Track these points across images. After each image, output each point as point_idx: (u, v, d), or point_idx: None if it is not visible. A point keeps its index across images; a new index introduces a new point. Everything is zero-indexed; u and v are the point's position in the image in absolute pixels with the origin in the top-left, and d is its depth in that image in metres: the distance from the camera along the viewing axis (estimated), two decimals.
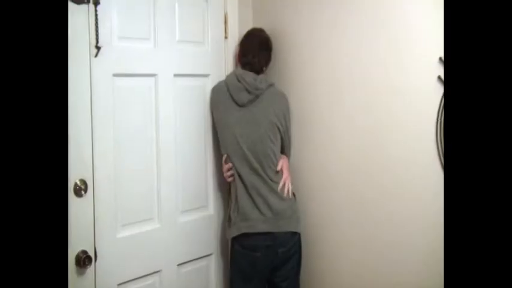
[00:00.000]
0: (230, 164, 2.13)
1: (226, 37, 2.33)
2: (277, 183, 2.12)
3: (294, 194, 2.20)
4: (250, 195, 2.09)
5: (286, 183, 2.14)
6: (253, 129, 2.10)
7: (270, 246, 2.07)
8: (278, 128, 2.14)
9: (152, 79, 2.04)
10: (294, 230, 2.12)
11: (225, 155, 2.15)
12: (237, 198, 2.12)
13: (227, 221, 2.18)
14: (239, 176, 2.11)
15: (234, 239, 2.12)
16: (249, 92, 2.10)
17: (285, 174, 2.16)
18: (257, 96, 2.11)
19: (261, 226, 2.07)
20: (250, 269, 2.09)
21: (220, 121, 2.17)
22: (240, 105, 2.11)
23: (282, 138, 2.18)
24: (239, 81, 2.11)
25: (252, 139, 2.10)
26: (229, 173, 2.14)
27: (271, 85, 2.17)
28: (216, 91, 2.21)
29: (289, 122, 2.21)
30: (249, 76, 2.12)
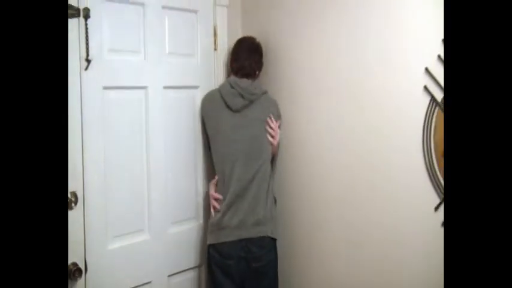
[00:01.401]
0: (220, 196, 2.13)
1: (215, 49, 2.35)
2: (264, 191, 2.13)
3: (275, 199, 2.22)
4: (232, 205, 2.09)
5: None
6: (246, 132, 2.12)
7: (243, 258, 2.08)
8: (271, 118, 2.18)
9: (142, 91, 2.05)
10: (270, 236, 2.12)
11: (216, 179, 2.17)
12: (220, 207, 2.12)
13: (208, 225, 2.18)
14: (228, 183, 2.11)
15: (211, 245, 2.13)
16: (243, 97, 2.12)
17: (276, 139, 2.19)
18: (251, 102, 2.14)
19: (238, 233, 2.07)
20: (223, 276, 2.10)
21: (213, 128, 2.18)
22: (234, 111, 2.13)
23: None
24: (233, 87, 2.13)
25: (246, 141, 2.12)
26: (216, 204, 2.14)
27: (264, 92, 2.20)
28: (208, 99, 2.22)
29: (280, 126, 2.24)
30: (243, 82, 2.15)
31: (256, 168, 2.11)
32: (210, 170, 2.26)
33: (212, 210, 2.15)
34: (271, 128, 2.17)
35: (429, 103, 1.75)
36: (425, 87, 1.75)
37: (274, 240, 2.15)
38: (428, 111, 1.76)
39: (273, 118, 2.18)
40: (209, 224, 2.16)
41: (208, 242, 2.14)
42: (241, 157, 2.11)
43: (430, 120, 1.76)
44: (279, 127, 2.22)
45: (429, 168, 1.77)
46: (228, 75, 2.32)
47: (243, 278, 2.11)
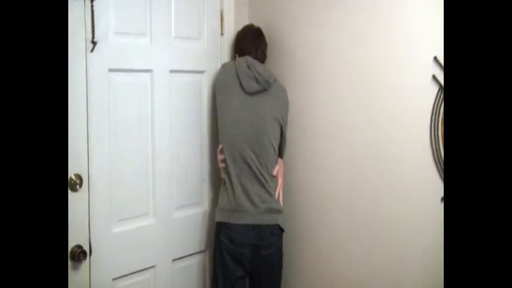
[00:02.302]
0: (224, 156, 2.13)
1: (222, 33, 2.33)
2: (269, 180, 2.12)
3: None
4: (244, 188, 2.09)
5: (279, 190, 2.16)
6: (255, 119, 2.10)
7: (253, 245, 2.08)
8: (280, 124, 2.15)
9: (148, 75, 2.04)
10: (281, 225, 2.13)
11: (221, 146, 2.15)
12: (230, 185, 2.11)
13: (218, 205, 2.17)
14: (235, 165, 2.10)
15: (220, 229, 2.12)
16: (258, 82, 2.09)
17: (280, 181, 2.18)
18: (264, 89, 2.11)
19: (249, 218, 2.07)
20: (233, 262, 2.10)
21: (223, 104, 2.15)
22: (247, 93, 2.10)
23: (281, 134, 2.18)
24: (249, 68, 2.10)
25: (252, 129, 2.09)
26: (221, 165, 2.16)
27: (274, 80, 2.18)
28: (225, 71, 2.18)
29: (287, 115, 2.22)
30: (259, 66, 2.12)
31: (265, 156, 2.10)
32: (215, 154, 2.25)
33: (222, 174, 2.16)
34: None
35: (437, 92, 1.73)
36: (434, 77, 1.73)
37: (282, 230, 2.16)
38: (437, 101, 1.74)
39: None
40: (219, 202, 2.15)
41: (217, 219, 2.13)
42: (249, 141, 2.09)
43: (438, 110, 1.74)
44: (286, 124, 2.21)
45: (437, 159, 1.75)
46: (234, 58, 2.29)
47: (252, 264, 2.11)
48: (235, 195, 2.09)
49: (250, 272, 2.15)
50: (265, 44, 2.25)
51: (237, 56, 2.23)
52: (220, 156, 2.17)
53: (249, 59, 2.13)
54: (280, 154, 2.22)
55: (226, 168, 2.13)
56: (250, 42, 2.20)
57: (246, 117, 2.10)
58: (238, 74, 2.11)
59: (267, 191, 2.10)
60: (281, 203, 2.15)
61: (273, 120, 2.13)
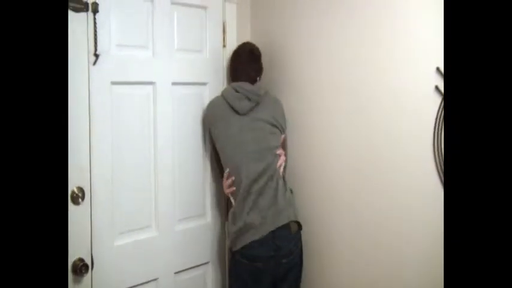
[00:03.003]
0: (231, 179, 2.10)
1: (224, 46, 2.34)
2: (279, 189, 2.08)
3: (291, 191, 2.18)
4: (252, 204, 2.05)
5: (280, 163, 2.14)
6: (256, 135, 2.10)
7: (271, 257, 2.03)
8: (278, 128, 2.16)
9: (150, 87, 2.04)
10: (294, 219, 2.08)
11: (227, 170, 2.13)
12: (238, 209, 2.07)
13: (229, 232, 2.12)
14: (242, 186, 2.07)
15: (236, 251, 2.08)
16: (249, 100, 2.10)
17: (283, 157, 2.16)
18: (257, 104, 2.12)
19: (263, 229, 2.02)
20: (252, 281, 2.05)
21: (221, 134, 2.13)
22: (241, 114, 2.11)
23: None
24: (237, 91, 2.11)
25: (255, 145, 2.09)
26: (230, 190, 2.12)
27: (265, 92, 2.19)
28: (212, 107, 2.18)
29: (285, 123, 2.23)
30: (246, 85, 2.13)
31: (266, 166, 2.08)
32: (217, 168, 2.25)
33: (231, 199, 2.13)
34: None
35: (440, 103, 1.72)
36: (437, 87, 1.73)
37: (299, 228, 2.11)
38: (439, 111, 1.73)
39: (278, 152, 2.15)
40: (231, 229, 2.09)
41: (234, 249, 2.08)
42: (254, 158, 2.08)
43: (440, 120, 1.73)
44: (284, 137, 2.21)
45: (439, 168, 1.74)
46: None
47: (275, 279, 2.06)
48: (243, 215, 2.04)
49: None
50: (258, 66, 2.24)
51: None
52: (227, 182, 2.13)
53: (234, 84, 2.15)
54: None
55: (235, 192, 2.10)
56: (242, 69, 2.20)
57: (247, 137, 2.10)
58: (228, 101, 2.11)
59: (277, 202, 2.07)
60: (281, 173, 2.13)
61: (272, 130, 2.13)
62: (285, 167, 2.19)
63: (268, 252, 2.02)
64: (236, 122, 2.11)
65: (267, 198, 2.06)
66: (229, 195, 2.14)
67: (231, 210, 2.12)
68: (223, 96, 2.15)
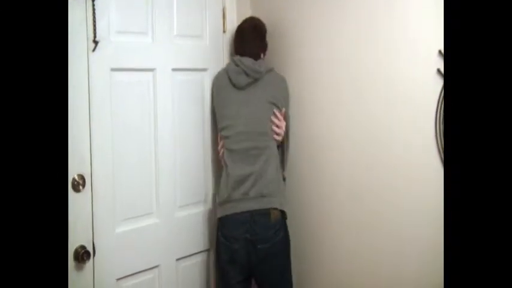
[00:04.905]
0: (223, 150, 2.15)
1: (224, 31, 2.32)
2: (268, 165, 2.08)
3: (284, 178, 2.17)
4: (235, 175, 2.07)
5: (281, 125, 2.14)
6: (250, 110, 2.10)
7: (249, 240, 2.04)
8: (277, 106, 2.13)
9: (150, 74, 2.03)
10: (279, 208, 2.06)
11: (222, 141, 2.16)
12: (226, 176, 2.11)
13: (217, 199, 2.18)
14: (230, 155, 2.10)
15: (218, 227, 2.12)
16: (247, 75, 2.09)
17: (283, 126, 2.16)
18: (256, 80, 2.11)
19: (243, 205, 2.05)
20: (228, 261, 2.08)
21: (219, 104, 2.17)
22: (239, 88, 2.11)
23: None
24: (237, 65, 2.11)
25: (249, 119, 2.09)
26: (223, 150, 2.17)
27: (270, 70, 2.17)
28: (216, 78, 2.21)
29: (288, 106, 2.20)
30: (247, 60, 2.12)
31: (262, 145, 2.09)
32: (218, 153, 2.24)
33: (223, 163, 2.16)
34: (276, 124, 2.12)
35: (442, 87, 1.71)
36: (439, 70, 1.72)
37: (283, 218, 2.10)
38: (441, 95, 1.72)
39: (276, 112, 2.12)
40: (217, 199, 2.16)
41: (217, 216, 2.15)
42: (246, 131, 2.09)
43: (442, 104, 1.72)
44: (285, 113, 2.17)
45: (441, 154, 1.74)
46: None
47: (251, 264, 2.07)
48: (228, 186, 2.08)
49: (253, 275, 2.11)
50: (262, 42, 2.23)
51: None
52: (221, 150, 2.18)
53: (237, 57, 2.15)
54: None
55: (224, 160, 2.13)
56: (245, 43, 2.19)
57: (241, 111, 2.10)
58: (228, 74, 2.13)
59: (264, 178, 2.07)
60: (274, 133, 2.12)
61: (268, 106, 2.11)
62: (287, 136, 2.18)
63: (244, 234, 2.04)
64: (233, 95, 2.12)
65: (253, 176, 2.06)
66: (222, 162, 2.18)
67: (221, 178, 2.15)
68: (226, 68, 2.17)
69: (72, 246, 1.78)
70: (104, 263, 1.89)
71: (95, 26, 1.80)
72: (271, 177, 2.08)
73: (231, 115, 2.11)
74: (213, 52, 2.27)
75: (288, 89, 2.21)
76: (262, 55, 2.22)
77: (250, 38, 2.19)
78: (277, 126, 2.12)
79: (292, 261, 2.17)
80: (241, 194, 2.06)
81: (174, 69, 2.10)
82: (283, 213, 2.10)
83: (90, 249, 1.82)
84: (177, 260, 2.18)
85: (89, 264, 1.83)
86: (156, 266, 2.10)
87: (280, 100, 2.15)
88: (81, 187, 1.79)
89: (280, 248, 2.09)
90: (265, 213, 2.04)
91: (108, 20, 1.86)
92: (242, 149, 2.09)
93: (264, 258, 2.05)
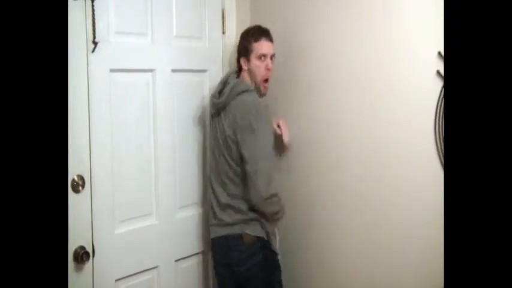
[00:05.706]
0: None
1: (224, 32, 2.32)
2: (234, 198, 2.02)
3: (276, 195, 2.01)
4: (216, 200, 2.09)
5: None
6: (215, 144, 2.09)
7: (227, 264, 2.04)
8: (234, 142, 1.98)
9: (149, 74, 2.03)
10: (251, 233, 1.99)
11: None
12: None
13: None
14: (209, 180, 2.15)
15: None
16: (214, 101, 2.07)
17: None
18: (224, 107, 2.01)
19: (220, 230, 2.05)
20: (220, 284, 2.14)
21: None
22: (212, 116, 2.13)
23: (241, 157, 1.97)
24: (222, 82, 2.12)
25: (214, 153, 2.09)
26: None
27: (243, 92, 2.00)
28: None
29: (249, 136, 1.93)
30: (232, 79, 2.10)
31: (225, 179, 2.04)
32: None
33: None
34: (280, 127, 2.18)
35: (442, 88, 1.72)
36: (438, 72, 1.72)
37: (260, 240, 2.01)
38: (441, 96, 1.72)
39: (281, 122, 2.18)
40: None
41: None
42: (213, 167, 2.11)
43: (442, 105, 1.72)
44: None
45: (441, 155, 1.74)
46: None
47: (238, 284, 2.05)
48: (210, 210, 2.13)
49: None
50: (238, 52, 2.12)
51: None
52: None
53: (232, 70, 2.17)
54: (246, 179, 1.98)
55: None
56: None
57: (211, 143, 2.14)
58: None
59: (223, 209, 2.04)
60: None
61: (226, 140, 2.00)
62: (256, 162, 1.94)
63: (223, 259, 2.06)
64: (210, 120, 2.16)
65: (221, 207, 2.06)
66: None
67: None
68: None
69: (72, 247, 1.77)
70: (103, 264, 1.88)
71: (94, 27, 1.80)
72: (238, 207, 2.02)
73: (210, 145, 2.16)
74: (212, 53, 2.27)
75: (250, 115, 1.93)
76: (243, 66, 2.09)
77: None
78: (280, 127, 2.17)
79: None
80: (217, 219, 2.07)
81: (173, 70, 2.10)
82: (260, 238, 2.02)
83: (90, 250, 1.82)
84: (176, 261, 2.18)
85: (88, 265, 1.83)
86: (155, 267, 2.09)
87: (235, 132, 1.96)
88: (80, 188, 1.79)
89: (257, 273, 2.01)
90: (237, 237, 2.01)
91: (108, 21, 1.86)
92: (213, 185, 2.10)
93: (245, 282, 2.03)
